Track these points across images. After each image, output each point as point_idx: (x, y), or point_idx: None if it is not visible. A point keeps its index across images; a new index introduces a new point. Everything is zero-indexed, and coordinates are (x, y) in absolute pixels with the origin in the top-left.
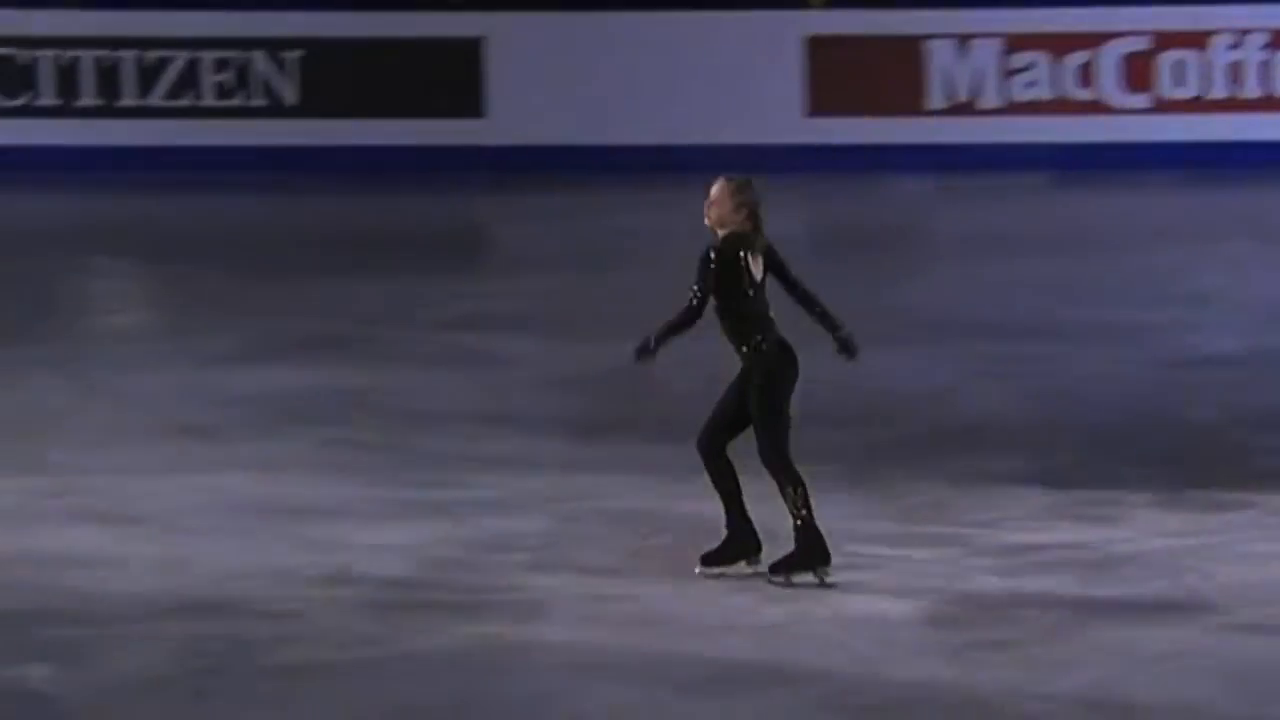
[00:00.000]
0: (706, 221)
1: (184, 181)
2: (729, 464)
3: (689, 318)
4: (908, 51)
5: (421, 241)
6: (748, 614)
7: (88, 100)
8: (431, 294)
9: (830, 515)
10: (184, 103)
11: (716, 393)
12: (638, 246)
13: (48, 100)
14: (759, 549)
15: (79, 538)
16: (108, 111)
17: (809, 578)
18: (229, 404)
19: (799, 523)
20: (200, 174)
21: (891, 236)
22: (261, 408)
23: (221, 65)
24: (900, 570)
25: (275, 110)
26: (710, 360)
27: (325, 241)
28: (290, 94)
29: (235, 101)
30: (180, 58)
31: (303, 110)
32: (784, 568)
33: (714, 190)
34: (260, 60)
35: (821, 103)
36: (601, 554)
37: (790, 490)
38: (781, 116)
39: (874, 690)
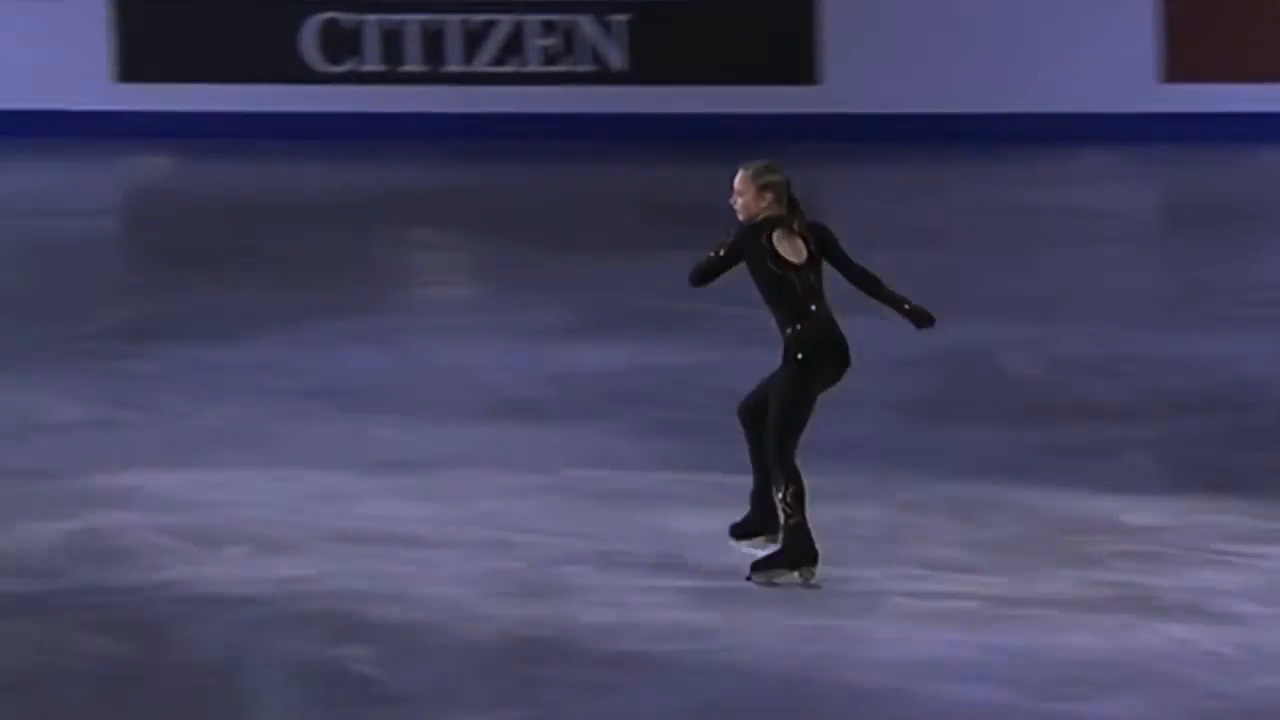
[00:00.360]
0: (739, 216)
1: (508, 150)
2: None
3: (693, 275)
4: (1274, 11)
5: None
6: (1095, 611)
7: (412, 66)
8: None
9: (1182, 509)
10: (509, 68)
11: (1058, 376)
12: (978, 222)
13: (373, 66)
14: (779, 527)
15: (403, 517)
16: (432, 78)
17: (793, 577)
18: (551, 382)
19: (790, 523)
20: (524, 142)
21: (1253, 212)
22: (585, 386)
23: (547, 29)
24: (1260, 569)
25: (602, 76)
26: (1049, 341)
27: (652, 214)
28: (617, 59)
29: (561, 67)
30: (505, 22)
31: (630, 76)
32: (766, 566)
33: (735, 181)
34: (587, 24)
35: (1177, 68)
36: (940, 545)
37: (784, 490)
38: (1133, 83)
39: (1234, 696)
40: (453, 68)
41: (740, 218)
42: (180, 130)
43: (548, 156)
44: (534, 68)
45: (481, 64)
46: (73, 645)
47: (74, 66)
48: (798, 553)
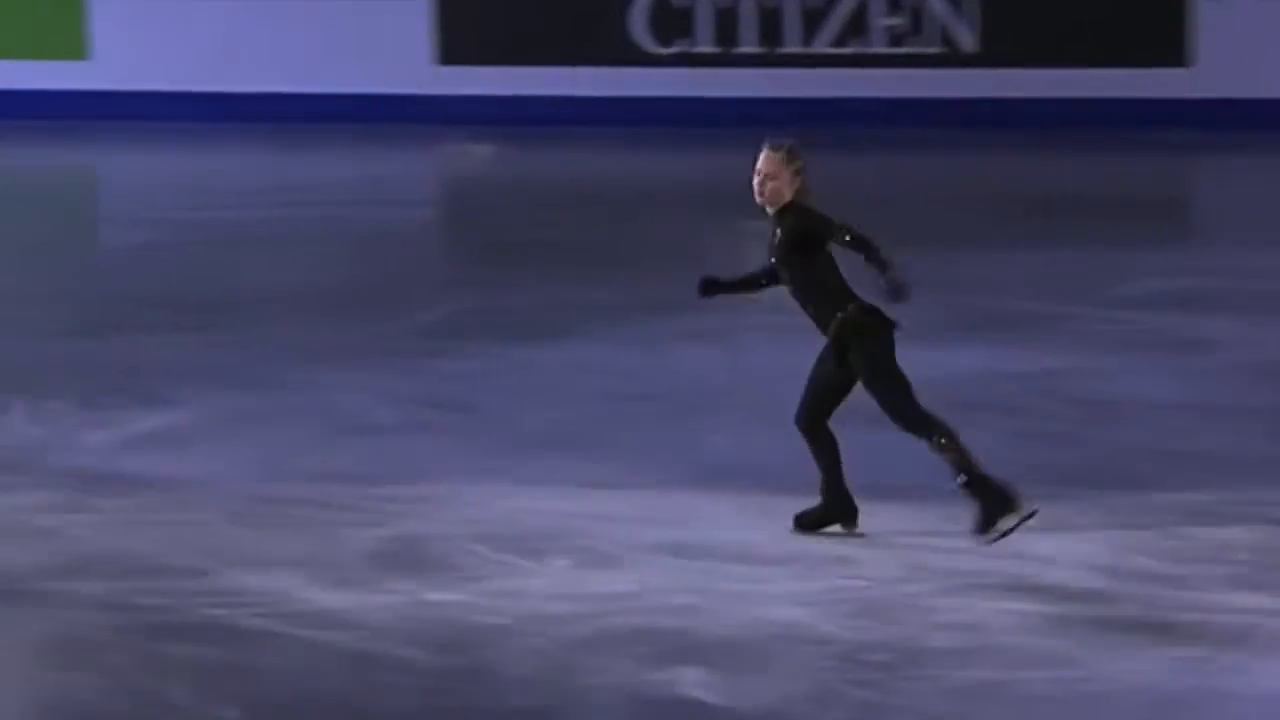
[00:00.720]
0: (761, 200)
1: (848, 138)
2: (830, 436)
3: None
4: None
5: (1116, 207)
6: None
7: (748, 47)
8: (1127, 267)
9: None
10: (850, 50)
11: None
12: None
13: (705, 47)
14: (855, 515)
15: (736, 530)
16: (768, 60)
17: (1013, 521)
18: None
19: (970, 478)
20: (867, 130)
21: None
22: (932, 393)
23: (893, 8)
24: None
25: (952, 58)
26: None
27: (1006, 206)
28: (968, 40)
29: (907, 49)
30: (848, 1)
31: (982, 58)
32: (984, 526)
33: (763, 163)
34: (936, 2)
35: None
36: None
37: (939, 447)
38: None
39: None
40: (790, 49)
41: (764, 200)
42: (502, 115)
43: (892, 145)
44: (878, 49)
45: (821, 45)
46: (388, 659)
47: (395, 49)
48: (995, 501)
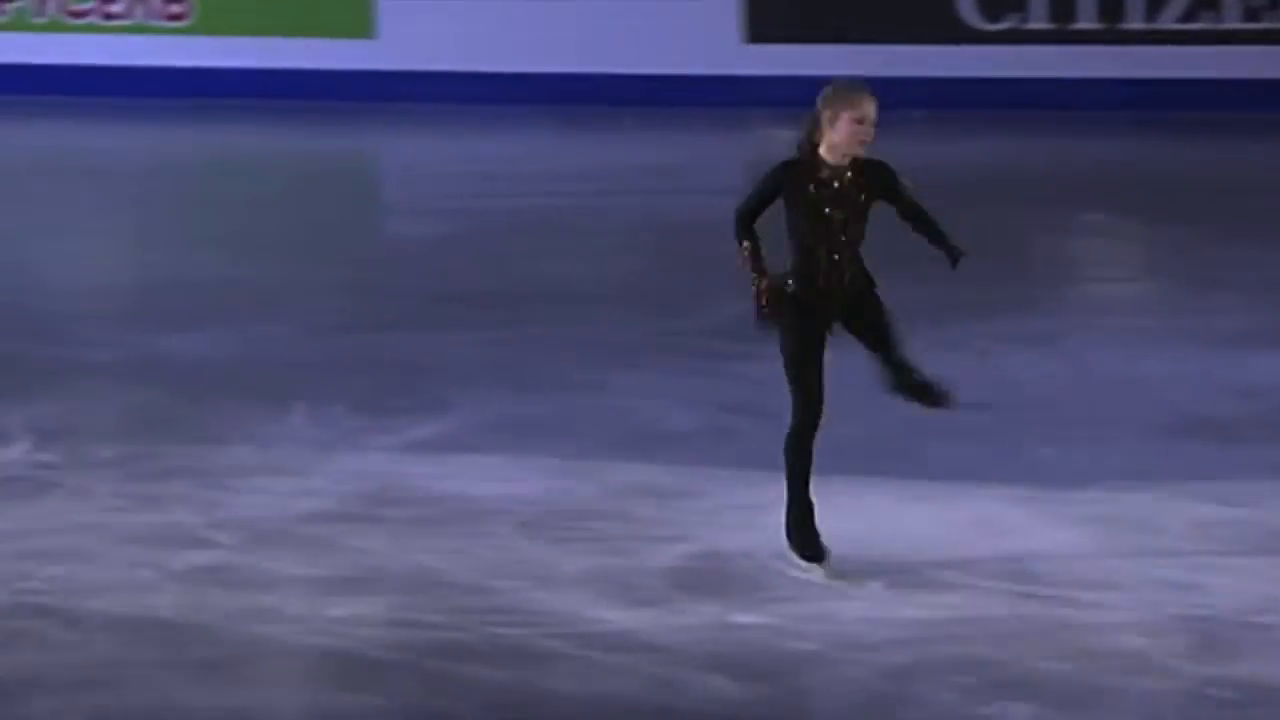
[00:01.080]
0: (860, 150)
1: (1198, 123)
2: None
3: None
4: None
5: None
6: None
7: (1086, 24)
8: None
9: None
10: (1201, 26)
11: None
12: None
13: (1039, 24)
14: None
15: (1068, 552)
16: (1109, 37)
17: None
18: (1243, 396)
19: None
20: (1218, 114)
21: None
22: (1254, 401)
23: None
24: None
25: None
26: None
27: None
28: None
29: (1265, 24)
30: None
31: None
32: (941, 400)
33: (875, 111)
34: None
35: None
36: None
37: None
38: None
39: None
40: (1133, 25)
41: (860, 151)
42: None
43: (1246, 130)
44: (1232, 25)
45: (1167, 21)
46: (687, 684)
47: (700, 26)
48: (938, 389)
